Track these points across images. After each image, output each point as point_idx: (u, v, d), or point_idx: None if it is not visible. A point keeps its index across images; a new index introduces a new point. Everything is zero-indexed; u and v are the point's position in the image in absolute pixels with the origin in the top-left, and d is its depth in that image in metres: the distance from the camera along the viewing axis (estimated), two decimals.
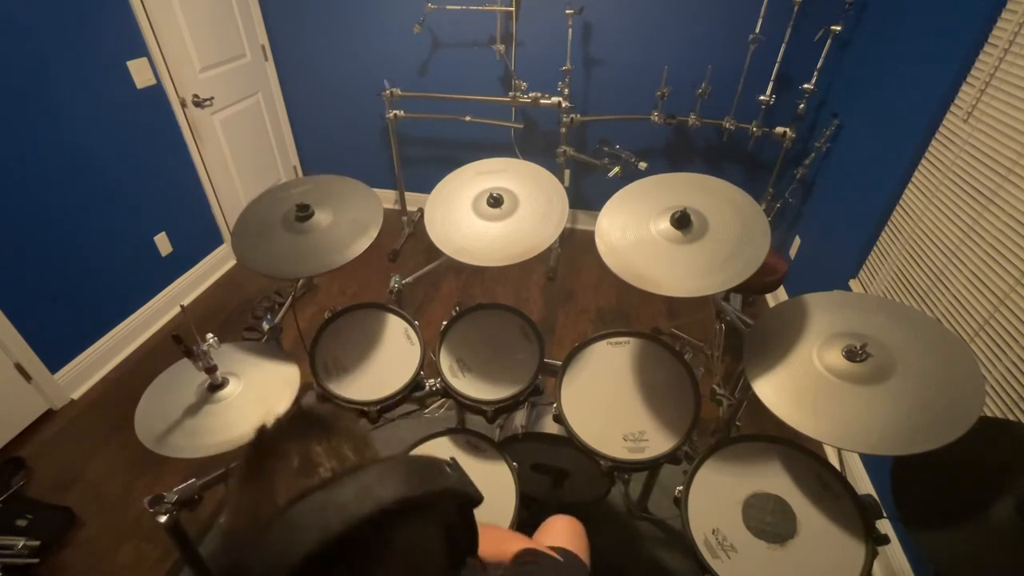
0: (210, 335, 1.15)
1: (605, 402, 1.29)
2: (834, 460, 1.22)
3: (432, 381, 1.44)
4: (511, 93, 2.76)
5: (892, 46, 2.11)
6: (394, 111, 2.95)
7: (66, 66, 2.08)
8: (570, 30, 2.58)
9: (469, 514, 0.55)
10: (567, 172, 3.17)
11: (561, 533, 1.04)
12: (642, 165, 2.72)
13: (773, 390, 1.02)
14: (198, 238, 2.91)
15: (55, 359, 2.15)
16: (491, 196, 1.36)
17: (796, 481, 1.11)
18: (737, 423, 1.60)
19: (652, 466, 1.40)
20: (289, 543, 0.38)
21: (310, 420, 0.50)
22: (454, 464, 0.52)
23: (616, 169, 2.75)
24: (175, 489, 1.03)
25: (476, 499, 0.52)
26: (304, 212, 1.34)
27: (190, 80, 2.64)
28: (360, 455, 0.48)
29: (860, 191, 2.19)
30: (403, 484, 0.43)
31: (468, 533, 0.56)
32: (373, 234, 1.32)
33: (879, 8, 2.26)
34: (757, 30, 2.44)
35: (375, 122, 3.34)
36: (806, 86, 2.43)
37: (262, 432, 0.48)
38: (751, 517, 1.07)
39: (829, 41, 2.33)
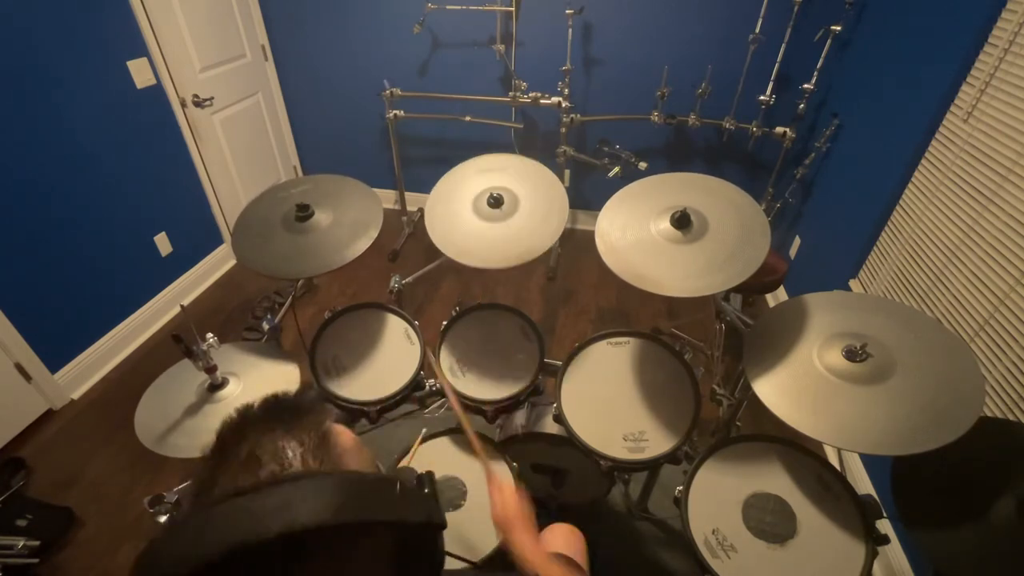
0: (210, 335, 1.15)
1: (605, 402, 1.29)
2: (834, 460, 1.22)
3: (432, 381, 1.44)
4: (511, 93, 2.76)
5: (892, 46, 2.11)
6: (394, 111, 2.94)
7: (66, 66, 2.07)
8: (570, 30, 2.58)
9: (429, 539, 0.49)
10: (567, 172, 3.17)
11: (562, 542, 1.03)
12: (642, 165, 2.72)
13: (773, 390, 1.02)
14: (198, 238, 2.91)
15: (55, 359, 2.15)
16: (491, 196, 1.36)
17: (796, 481, 1.11)
18: (737, 423, 1.60)
19: (652, 466, 1.40)
20: (195, 543, 0.36)
21: (277, 409, 0.47)
22: (426, 480, 0.48)
23: (616, 169, 2.75)
24: (175, 489, 1.03)
25: (435, 524, 0.47)
26: (304, 212, 1.34)
27: (190, 80, 2.64)
28: (304, 463, 0.44)
29: (860, 191, 2.19)
30: (327, 509, 0.38)
31: (425, 561, 0.50)
32: (373, 234, 1.32)
33: (879, 8, 2.26)
34: (757, 30, 2.44)
35: (375, 122, 3.34)
36: (806, 86, 2.43)
37: (232, 416, 0.46)
38: (751, 517, 1.07)
39: (829, 41, 2.33)
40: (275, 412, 0.47)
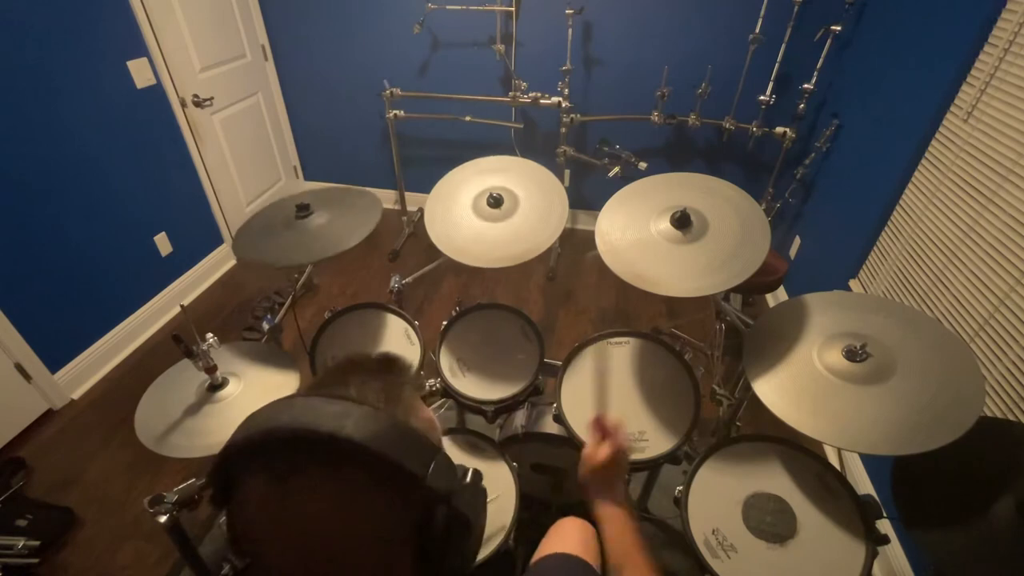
0: (210, 335, 1.15)
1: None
2: (834, 460, 1.22)
3: (432, 381, 1.44)
4: (511, 93, 2.76)
5: (892, 46, 2.11)
6: (394, 111, 2.95)
7: (66, 66, 2.08)
8: (570, 30, 2.58)
9: (454, 534, 0.46)
10: (567, 172, 3.17)
11: (570, 536, 1.03)
12: (642, 165, 2.72)
13: (773, 390, 1.02)
14: (198, 238, 2.91)
15: (55, 359, 2.15)
16: (491, 196, 1.36)
17: (796, 481, 1.11)
18: (737, 423, 1.60)
19: (652, 466, 1.40)
20: (273, 416, 0.45)
21: (389, 365, 0.58)
22: (474, 477, 0.48)
23: (616, 169, 2.75)
24: (175, 489, 1.03)
25: (463, 517, 0.46)
26: (304, 212, 1.34)
27: (190, 80, 2.64)
28: (373, 402, 0.51)
29: (860, 191, 2.19)
30: (368, 433, 0.43)
31: (445, 556, 0.47)
32: (374, 221, 1.30)
33: (879, 8, 2.26)
34: (757, 30, 2.44)
35: (375, 122, 3.34)
36: (806, 86, 2.43)
37: (353, 355, 0.59)
38: (751, 517, 1.07)
39: (829, 41, 2.33)
40: (377, 363, 0.58)
